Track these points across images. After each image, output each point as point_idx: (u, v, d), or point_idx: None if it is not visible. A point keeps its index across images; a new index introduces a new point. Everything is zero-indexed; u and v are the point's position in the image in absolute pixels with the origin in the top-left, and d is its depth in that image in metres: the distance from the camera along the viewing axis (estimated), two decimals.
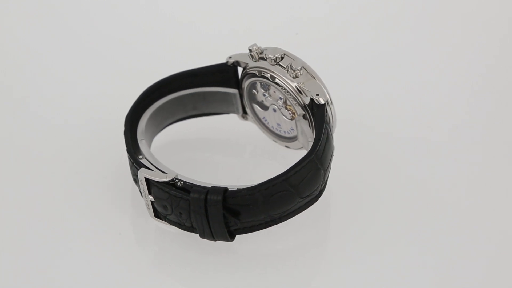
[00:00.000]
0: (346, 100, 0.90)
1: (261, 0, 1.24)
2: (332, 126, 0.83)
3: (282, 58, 0.84)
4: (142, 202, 0.84)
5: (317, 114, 0.80)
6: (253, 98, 0.90)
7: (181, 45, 1.16)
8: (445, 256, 0.80)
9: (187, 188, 0.77)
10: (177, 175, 0.78)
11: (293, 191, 0.76)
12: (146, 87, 0.91)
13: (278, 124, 0.89)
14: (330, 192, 0.84)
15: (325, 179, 0.80)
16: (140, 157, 0.84)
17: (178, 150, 0.96)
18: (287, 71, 0.83)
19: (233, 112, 0.94)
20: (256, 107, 0.91)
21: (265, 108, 0.89)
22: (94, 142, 0.97)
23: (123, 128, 0.86)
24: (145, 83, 0.92)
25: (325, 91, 0.82)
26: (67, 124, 1.01)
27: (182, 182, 0.77)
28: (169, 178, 0.78)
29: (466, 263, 0.79)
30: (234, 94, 0.92)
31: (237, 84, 0.91)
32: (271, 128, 0.91)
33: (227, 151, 0.96)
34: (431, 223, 0.83)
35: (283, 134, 0.89)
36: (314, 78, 0.82)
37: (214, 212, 0.76)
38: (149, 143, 0.90)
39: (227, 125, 0.97)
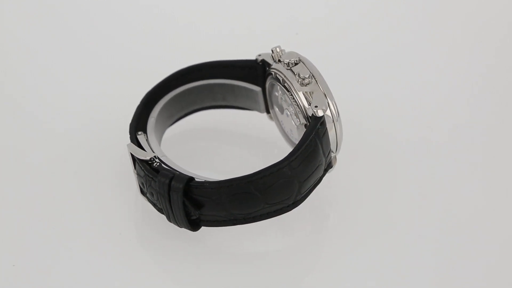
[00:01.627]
0: (346, 100, 0.89)
1: (261, 0, 1.24)
2: (336, 144, 0.81)
3: (296, 63, 0.82)
4: (143, 202, 0.84)
5: (310, 125, 0.78)
6: (275, 100, 0.89)
7: (181, 45, 1.16)
8: (445, 256, 0.80)
9: (159, 170, 0.78)
10: (155, 155, 0.79)
11: (258, 195, 0.75)
12: (146, 87, 0.91)
13: (291, 130, 0.88)
14: (329, 191, 0.84)
15: (304, 191, 0.78)
16: (140, 133, 0.84)
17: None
18: (295, 77, 0.81)
19: (257, 110, 0.94)
20: (276, 109, 0.90)
21: (282, 111, 0.89)
22: (94, 142, 0.97)
23: (123, 129, 0.86)
24: (145, 83, 0.92)
25: (331, 105, 0.79)
26: (67, 124, 1.01)
27: (158, 163, 0.79)
28: (147, 157, 0.79)
29: (466, 263, 0.79)
30: (257, 92, 0.91)
31: (263, 83, 0.90)
32: (286, 133, 0.90)
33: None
34: (431, 223, 0.83)
35: (294, 141, 0.88)
36: (322, 90, 0.80)
37: (175, 199, 0.76)
38: (166, 123, 0.91)
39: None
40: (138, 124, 0.86)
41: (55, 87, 1.08)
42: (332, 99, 0.80)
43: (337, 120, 0.80)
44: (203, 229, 0.80)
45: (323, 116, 0.78)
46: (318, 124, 0.77)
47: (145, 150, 0.81)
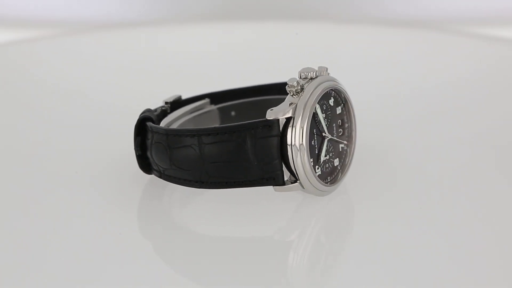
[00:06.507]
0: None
1: (262, 1, 1.25)
2: (296, 172, 0.75)
3: (306, 77, 0.77)
4: (143, 202, 0.84)
5: (251, 120, 0.74)
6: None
7: (182, 48, 1.17)
8: (446, 258, 0.80)
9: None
10: (168, 101, 0.87)
11: (167, 152, 0.77)
12: (146, 86, 0.91)
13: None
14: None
15: (216, 177, 0.76)
16: (206, 99, 0.90)
17: None
18: (291, 86, 0.77)
19: None
20: None
21: None
22: (95, 141, 0.97)
23: (124, 128, 0.87)
24: (144, 83, 0.93)
25: (297, 128, 0.73)
26: (67, 123, 1.01)
27: (165, 107, 0.86)
28: (164, 101, 0.87)
29: (466, 263, 0.79)
30: None
31: None
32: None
33: None
34: (431, 224, 0.83)
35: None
36: (296, 104, 0.75)
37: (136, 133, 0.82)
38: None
39: None
40: (212, 97, 0.90)
41: (56, 85, 1.09)
42: (302, 123, 0.74)
43: (298, 150, 0.74)
44: (206, 229, 0.80)
45: (269, 120, 0.73)
46: (260, 124, 0.73)
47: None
